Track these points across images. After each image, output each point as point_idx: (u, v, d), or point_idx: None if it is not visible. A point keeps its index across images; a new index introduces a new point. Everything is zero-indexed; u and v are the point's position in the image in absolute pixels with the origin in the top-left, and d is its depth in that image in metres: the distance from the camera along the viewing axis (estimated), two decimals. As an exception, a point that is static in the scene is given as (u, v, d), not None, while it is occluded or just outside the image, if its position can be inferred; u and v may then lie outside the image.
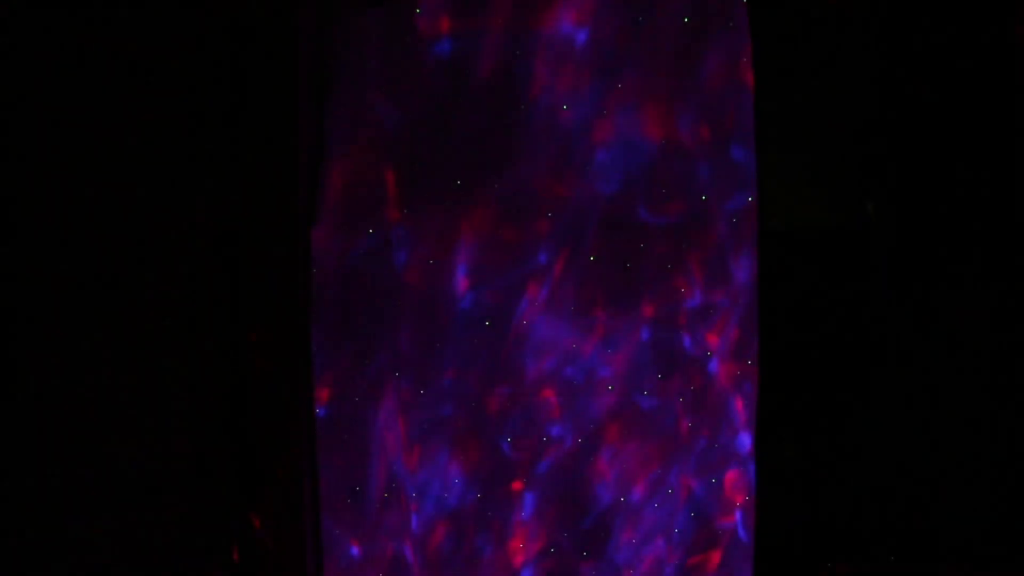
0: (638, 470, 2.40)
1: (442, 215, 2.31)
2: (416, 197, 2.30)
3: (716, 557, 2.46)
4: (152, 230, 2.15)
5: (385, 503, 2.27)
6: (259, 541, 2.34)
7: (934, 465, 2.86)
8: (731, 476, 2.46)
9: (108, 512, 2.06)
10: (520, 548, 2.35)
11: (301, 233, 2.28)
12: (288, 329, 2.31)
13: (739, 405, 2.46)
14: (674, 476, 2.42)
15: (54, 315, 1.90)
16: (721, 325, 2.42)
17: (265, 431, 2.37)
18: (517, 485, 2.34)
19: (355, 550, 2.27)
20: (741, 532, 2.47)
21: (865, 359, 2.89)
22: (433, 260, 2.30)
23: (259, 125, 2.36)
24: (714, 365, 2.42)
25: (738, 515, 2.47)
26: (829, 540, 2.86)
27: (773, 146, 2.66)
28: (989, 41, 2.81)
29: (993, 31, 2.80)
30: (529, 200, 2.33)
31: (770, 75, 2.59)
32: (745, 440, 2.47)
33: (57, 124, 1.92)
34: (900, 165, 2.91)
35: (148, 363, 2.14)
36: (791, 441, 2.85)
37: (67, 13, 1.96)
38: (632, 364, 2.39)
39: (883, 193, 2.91)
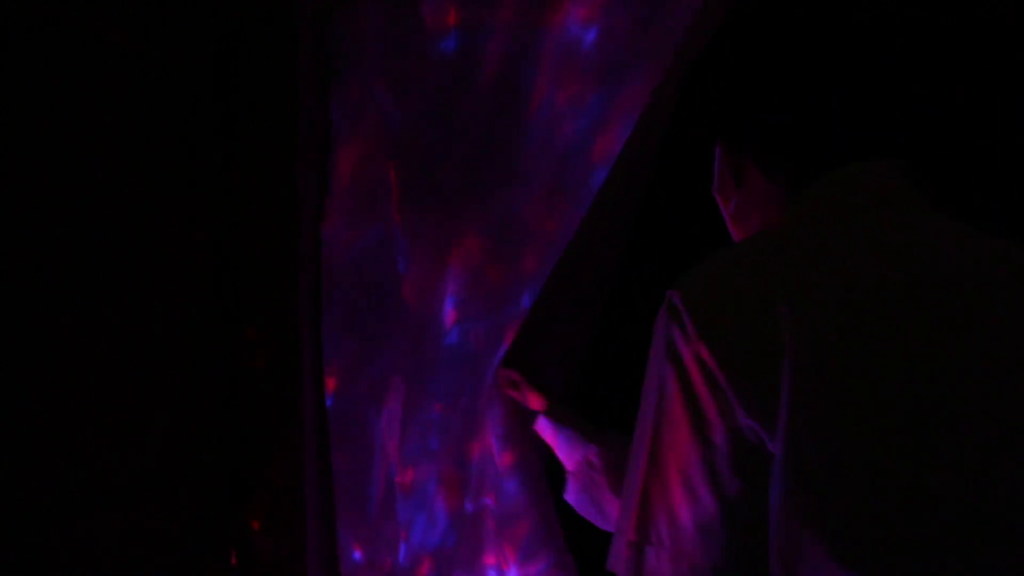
0: None
1: (436, 236, 2.18)
2: (414, 204, 2.18)
3: None
4: (149, 225, 2.12)
5: (384, 511, 2.20)
6: (257, 544, 2.31)
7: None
8: None
9: (103, 513, 2.06)
10: None
11: (304, 227, 2.22)
12: (288, 327, 2.28)
13: None
14: None
15: (47, 312, 1.87)
16: None
17: (264, 432, 2.33)
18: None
19: (357, 555, 2.22)
20: None
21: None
22: (425, 284, 2.18)
23: (260, 116, 2.31)
24: None
25: None
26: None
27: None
28: (1009, 33, 2.76)
29: (1012, 24, 2.75)
30: (518, 234, 2.18)
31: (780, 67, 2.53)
32: None
33: (52, 114, 1.88)
34: (915, 157, 2.86)
35: (144, 361, 2.12)
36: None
37: (59, 1, 1.91)
38: None
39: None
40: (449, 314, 2.19)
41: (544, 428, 2.07)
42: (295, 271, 2.26)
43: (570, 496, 2.07)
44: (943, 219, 1.27)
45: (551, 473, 2.16)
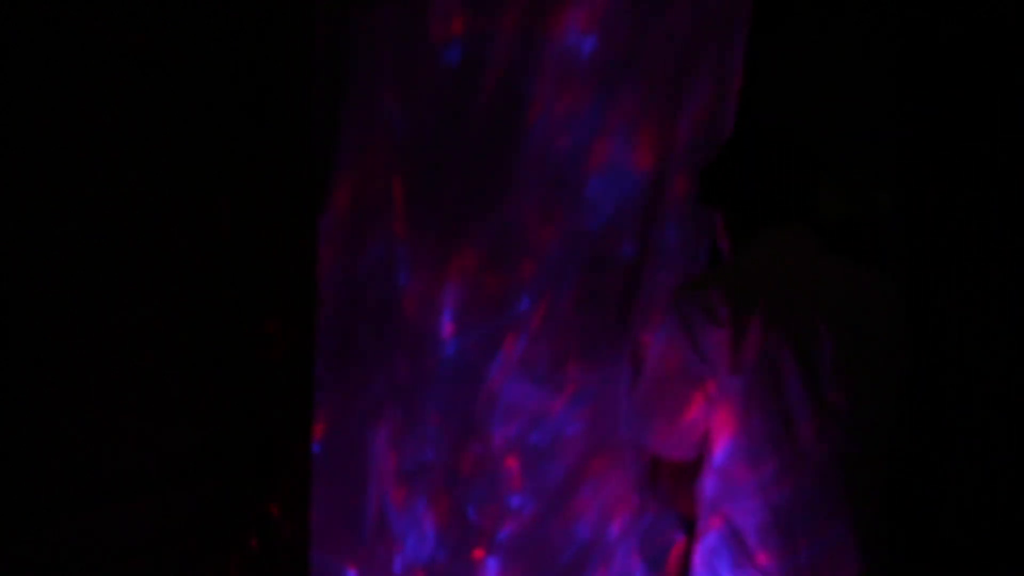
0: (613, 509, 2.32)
1: (437, 247, 2.21)
2: (417, 216, 2.20)
3: None
4: (168, 224, 2.16)
5: (379, 530, 2.24)
6: (277, 529, 2.38)
7: (937, 463, 2.86)
8: None
9: (132, 498, 2.12)
10: None
11: (312, 227, 2.26)
12: (304, 321, 2.33)
13: None
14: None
15: (74, 307, 1.93)
16: None
17: (282, 421, 2.40)
18: (479, 553, 2.28)
19: (352, 574, 2.27)
20: None
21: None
22: (425, 296, 2.21)
23: (276, 114, 2.31)
24: None
25: None
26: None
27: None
28: (1012, 31, 2.75)
29: (1017, 21, 2.74)
30: (516, 242, 2.21)
31: (780, 65, 2.56)
32: None
33: (69, 117, 1.92)
34: (916, 156, 2.87)
35: (168, 355, 2.17)
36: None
37: (77, 6, 1.94)
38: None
39: (898, 184, 2.88)
40: (447, 327, 2.23)
41: None
42: (310, 267, 2.32)
43: None
44: (828, 258, 2.14)
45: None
